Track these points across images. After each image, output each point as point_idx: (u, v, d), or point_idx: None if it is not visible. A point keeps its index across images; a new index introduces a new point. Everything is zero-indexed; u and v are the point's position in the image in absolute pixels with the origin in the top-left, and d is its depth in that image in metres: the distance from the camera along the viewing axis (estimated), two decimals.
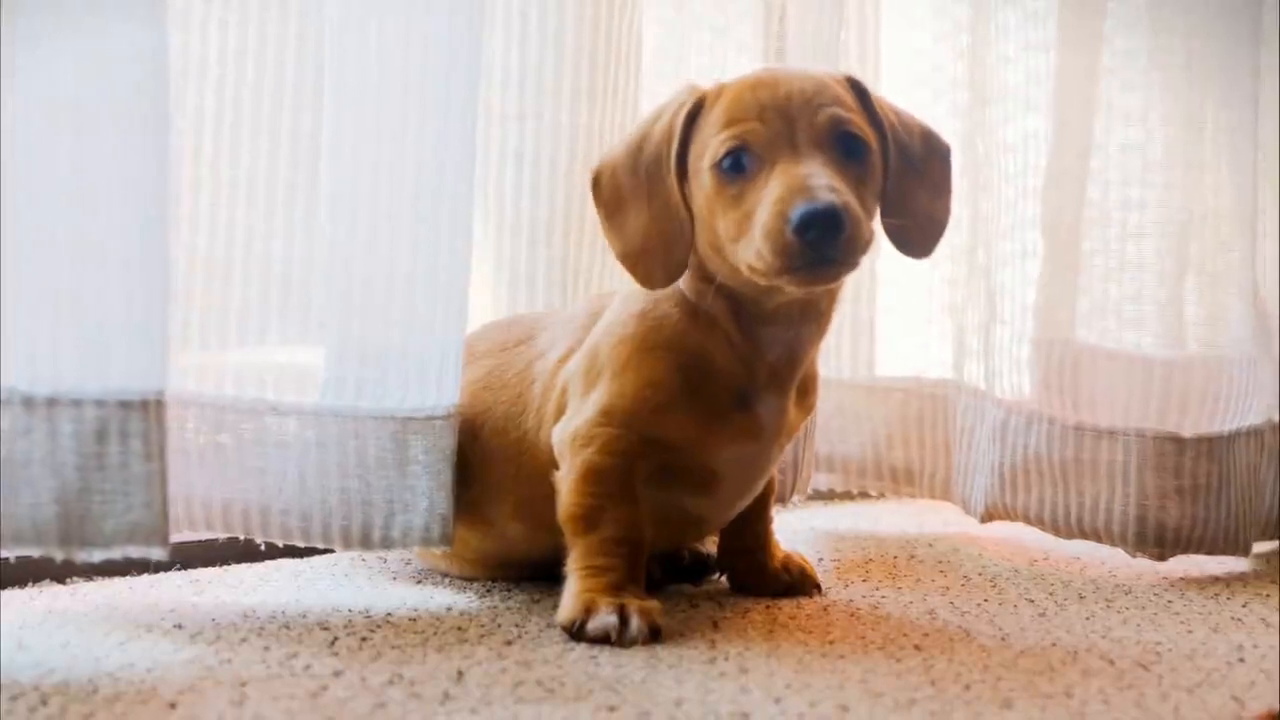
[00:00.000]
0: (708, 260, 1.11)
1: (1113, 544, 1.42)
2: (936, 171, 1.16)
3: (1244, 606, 1.26)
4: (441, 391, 1.17)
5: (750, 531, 1.25)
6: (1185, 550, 1.41)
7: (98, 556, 0.99)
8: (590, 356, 1.15)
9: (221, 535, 1.18)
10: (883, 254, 1.66)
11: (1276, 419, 1.51)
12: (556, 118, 1.39)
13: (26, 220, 0.98)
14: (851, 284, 1.61)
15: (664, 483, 1.14)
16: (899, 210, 1.12)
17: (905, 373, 1.65)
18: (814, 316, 1.13)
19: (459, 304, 1.17)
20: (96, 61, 0.99)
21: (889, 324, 1.68)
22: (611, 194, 1.13)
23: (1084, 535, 1.43)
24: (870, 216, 1.07)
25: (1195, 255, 1.48)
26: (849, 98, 1.10)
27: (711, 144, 1.07)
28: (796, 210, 1.00)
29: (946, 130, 1.56)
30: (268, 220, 1.18)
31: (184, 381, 1.15)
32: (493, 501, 1.20)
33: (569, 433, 1.13)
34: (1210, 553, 1.42)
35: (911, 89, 1.64)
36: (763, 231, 1.02)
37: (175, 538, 1.26)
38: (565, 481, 1.12)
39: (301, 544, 1.17)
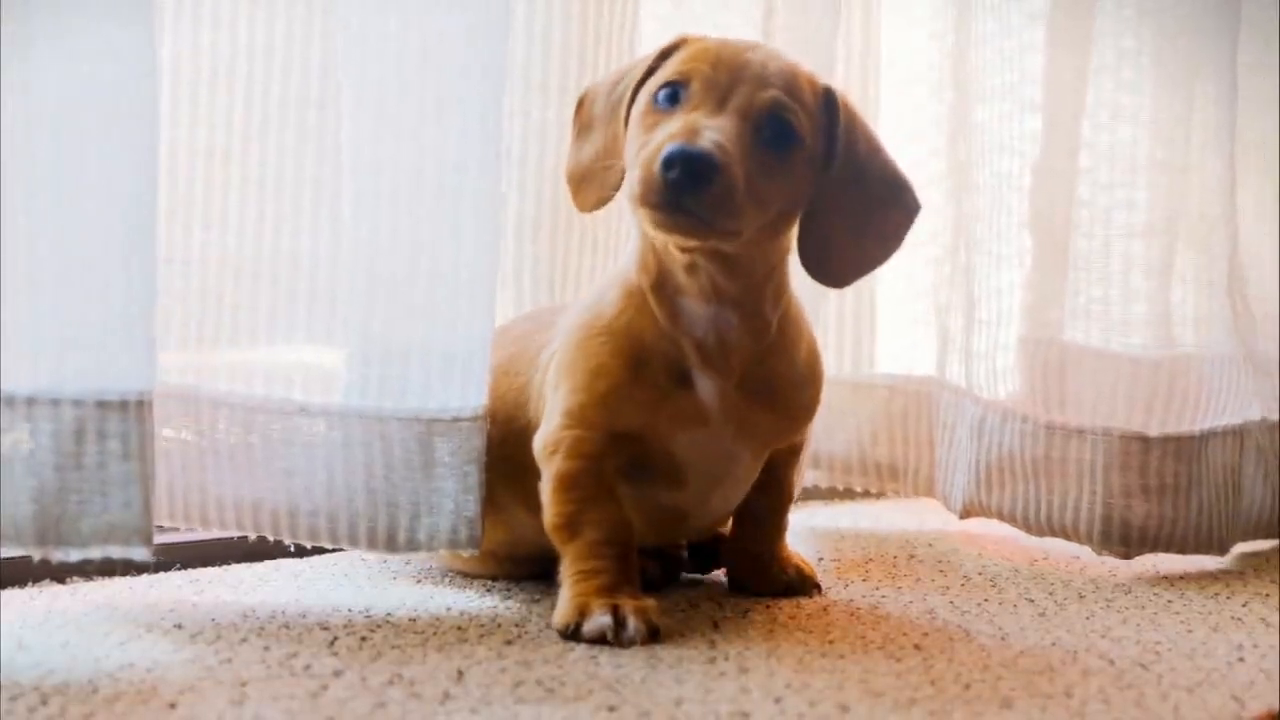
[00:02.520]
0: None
1: (1080, 542, 1.43)
2: (893, 220, 1.15)
3: (1244, 606, 1.26)
4: (467, 392, 1.16)
5: (757, 534, 1.25)
6: (1153, 549, 1.41)
7: (74, 556, 0.99)
8: (555, 356, 1.16)
9: (252, 535, 1.18)
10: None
11: (1272, 419, 1.51)
12: (544, 115, 1.39)
13: (8, 220, 0.97)
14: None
15: (637, 478, 1.14)
16: (821, 231, 1.12)
17: (891, 370, 1.65)
18: (731, 304, 1.11)
19: (485, 303, 1.17)
20: (78, 60, 0.99)
21: (879, 321, 1.68)
22: (586, 117, 1.17)
23: (1053, 533, 1.44)
24: (762, 206, 1.06)
25: (1170, 255, 1.47)
26: (810, 98, 1.09)
27: (659, 75, 1.09)
28: (670, 146, 1.01)
29: (944, 130, 1.58)
30: (295, 218, 1.18)
31: (215, 381, 1.16)
32: (504, 486, 1.20)
33: (541, 442, 1.13)
34: (1181, 552, 1.42)
35: (909, 86, 1.64)
36: (641, 160, 1.03)
37: (179, 537, 1.28)
38: (544, 492, 1.13)
39: (329, 545, 1.18)
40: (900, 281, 1.67)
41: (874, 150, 1.14)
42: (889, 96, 1.63)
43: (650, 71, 1.12)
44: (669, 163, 1.00)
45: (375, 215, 1.15)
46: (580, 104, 1.18)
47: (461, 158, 1.15)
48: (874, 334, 1.66)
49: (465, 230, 1.16)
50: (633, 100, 1.12)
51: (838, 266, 1.15)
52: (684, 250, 1.09)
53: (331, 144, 1.18)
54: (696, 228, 1.03)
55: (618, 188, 1.12)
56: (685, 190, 1.00)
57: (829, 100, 1.12)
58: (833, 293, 1.60)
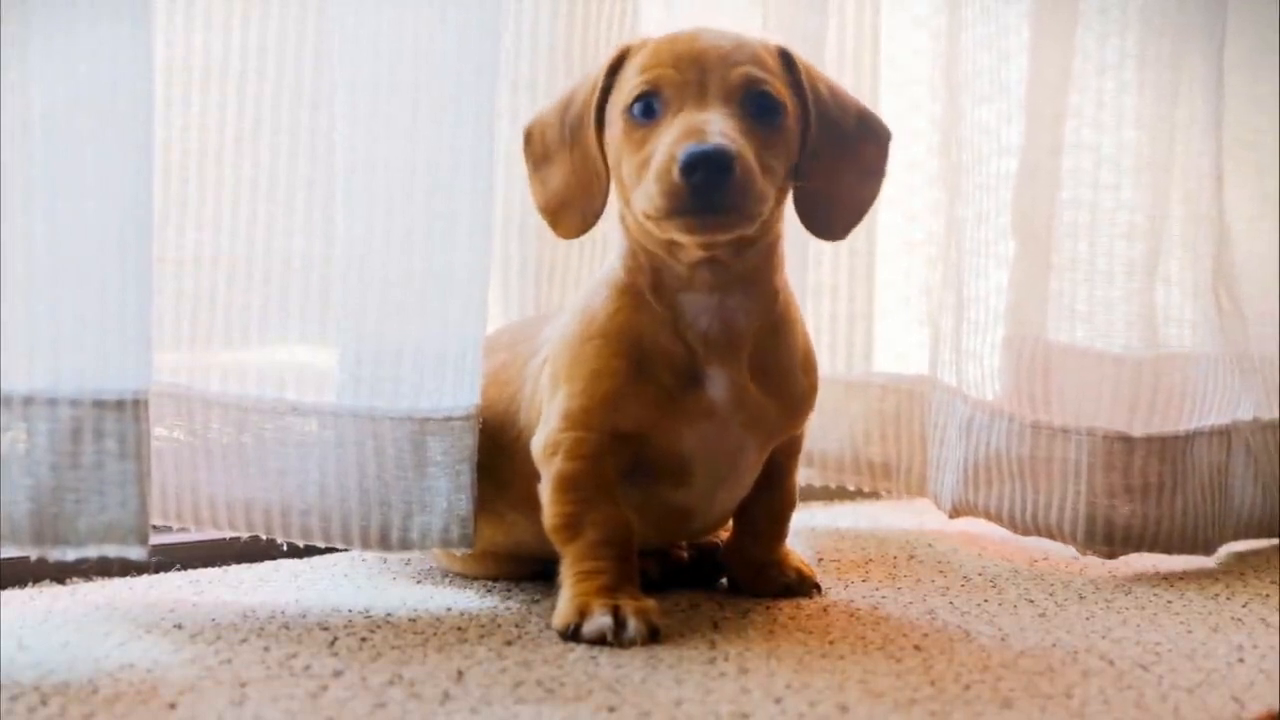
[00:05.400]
0: (625, 218, 1.13)
1: (1064, 541, 1.43)
2: (870, 154, 1.16)
3: (1244, 606, 1.26)
4: (459, 391, 1.17)
5: (758, 539, 1.24)
6: (1137, 549, 1.41)
7: (71, 555, 1.00)
8: (550, 363, 1.16)
9: (245, 534, 1.19)
10: (880, 255, 1.67)
11: (1263, 419, 1.51)
12: (531, 115, 1.39)
13: (6, 221, 0.97)
14: (829, 282, 1.61)
15: (640, 478, 1.14)
16: (816, 184, 1.12)
17: (884, 368, 1.65)
18: (739, 283, 1.12)
19: (478, 302, 1.18)
20: (76, 61, 0.99)
21: (877, 320, 1.67)
22: (540, 148, 1.16)
23: (1039, 532, 1.44)
24: (773, 179, 1.07)
25: (1156, 255, 1.47)
26: (772, 62, 1.11)
27: (625, 89, 1.09)
28: (684, 151, 1.01)
29: (940, 130, 1.57)
30: (287, 218, 1.18)
31: (208, 381, 1.16)
32: (499, 492, 1.20)
33: (540, 444, 1.13)
34: (1166, 552, 1.42)
35: (908, 86, 1.64)
36: (654, 173, 1.03)
37: (180, 538, 1.28)
38: (544, 493, 1.13)
39: (322, 544, 1.18)
40: (900, 281, 1.67)
41: (835, 93, 1.16)
42: (888, 96, 1.63)
43: (605, 88, 1.11)
44: (690, 167, 1.00)
45: (368, 215, 1.15)
46: (529, 137, 1.17)
47: (454, 158, 1.16)
48: (871, 333, 1.66)
49: (458, 230, 1.16)
50: (599, 120, 1.11)
51: (836, 216, 1.16)
52: (710, 247, 1.09)
53: (324, 144, 1.18)
54: (728, 223, 1.04)
55: (600, 212, 1.12)
56: (712, 189, 1.01)
57: (786, 59, 1.13)
58: (827, 291, 1.60)
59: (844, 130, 1.14)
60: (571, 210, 1.14)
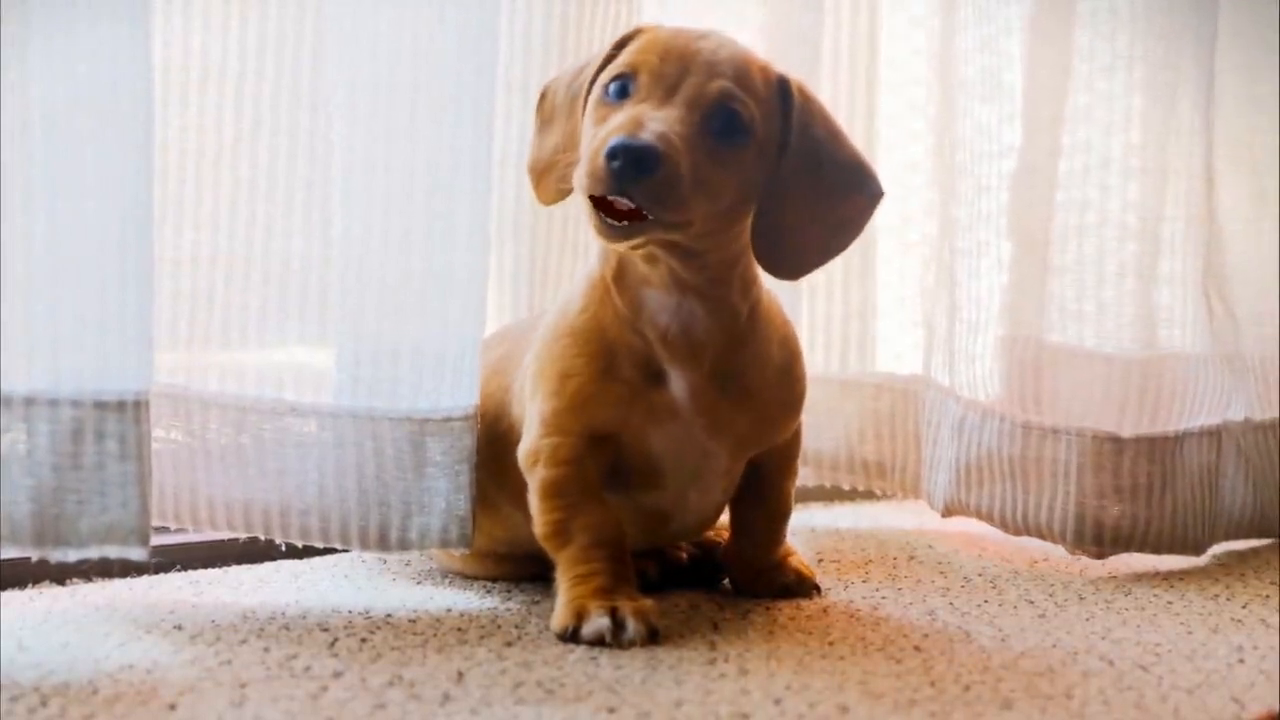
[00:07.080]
0: None
1: (1054, 541, 1.43)
2: (852, 206, 1.14)
3: (1244, 607, 1.26)
4: (458, 392, 1.17)
5: (755, 544, 1.24)
6: (1126, 549, 1.42)
7: (73, 556, 1.00)
8: (532, 360, 1.16)
9: (244, 535, 1.19)
10: (879, 256, 1.67)
11: (1255, 419, 1.51)
12: (525, 116, 1.38)
13: (6, 221, 0.97)
14: (826, 281, 1.61)
15: (615, 482, 1.14)
16: (781, 219, 1.10)
17: (880, 368, 1.65)
18: (696, 290, 1.11)
19: (477, 302, 1.18)
20: (76, 61, 0.99)
21: (879, 320, 1.67)
22: (549, 109, 1.17)
23: (1029, 532, 1.44)
24: (714, 196, 1.05)
25: (1148, 256, 1.47)
26: (763, 87, 1.09)
27: (610, 68, 1.09)
28: (614, 139, 1.01)
29: (937, 131, 1.57)
30: (286, 219, 1.18)
31: (206, 381, 1.16)
32: (494, 485, 1.20)
33: (523, 452, 1.14)
34: (1155, 552, 1.43)
35: (906, 87, 1.64)
36: (589, 153, 1.03)
37: (180, 539, 1.28)
38: (532, 502, 1.13)
39: (321, 544, 1.18)
40: (896, 282, 1.67)
41: (832, 136, 1.13)
42: (887, 97, 1.63)
43: (608, 62, 1.11)
44: (612, 154, 1.00)
45: (366, 216, 1.16)
46: (543, 97, 1.18)
47: (454, 158, 1.16)
48: (867, 332, 1.65)
49: (457, 231, 1.16)
50: (590, 92, 1.11)
51: (790, 256, 1.13)
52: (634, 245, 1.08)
53: (323, 145, 1.18)
54: (634, 229, 1.03)
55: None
56: (628, 180, 1.00)
57: (783, 88, 1.11)
58: (821, 290, 1.60)
59: (829, 175, 1.12)
60: (550, 175, 1.14)
